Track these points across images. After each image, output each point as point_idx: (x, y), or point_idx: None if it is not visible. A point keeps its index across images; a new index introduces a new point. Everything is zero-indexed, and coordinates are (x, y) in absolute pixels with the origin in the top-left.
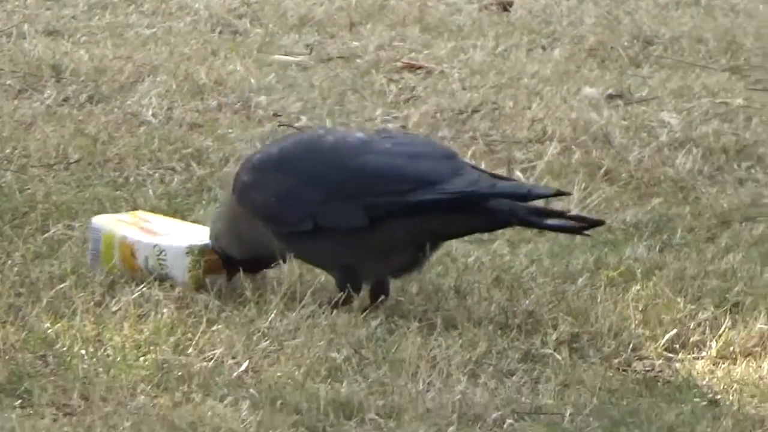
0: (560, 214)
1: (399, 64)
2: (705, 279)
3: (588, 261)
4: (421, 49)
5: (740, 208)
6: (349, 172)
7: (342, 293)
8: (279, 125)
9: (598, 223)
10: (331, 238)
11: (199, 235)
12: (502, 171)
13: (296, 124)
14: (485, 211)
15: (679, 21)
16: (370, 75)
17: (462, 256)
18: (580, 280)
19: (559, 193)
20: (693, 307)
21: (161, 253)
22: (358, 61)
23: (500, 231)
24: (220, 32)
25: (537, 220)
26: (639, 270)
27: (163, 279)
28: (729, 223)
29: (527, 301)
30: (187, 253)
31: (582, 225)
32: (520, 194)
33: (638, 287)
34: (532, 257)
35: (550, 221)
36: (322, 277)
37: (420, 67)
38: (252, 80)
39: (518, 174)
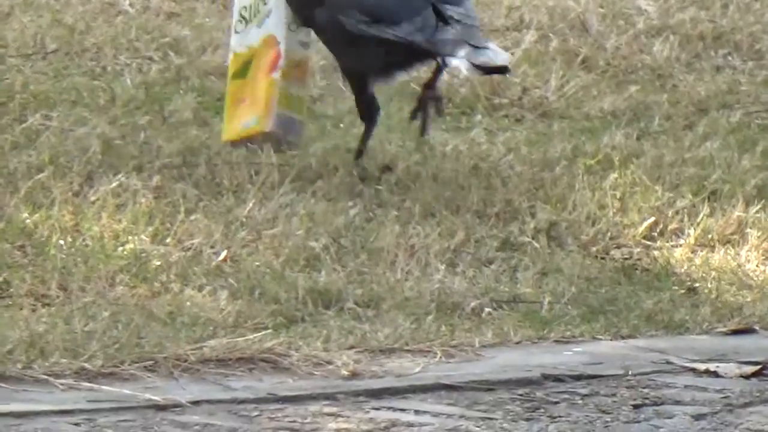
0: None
1: None
2: (683, 167)
3: (566, 149)
4: None
5: (717, 95)
6: None
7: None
8: None
9: (503, 69)
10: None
11: None
12: None
13: None
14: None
15: None
16: None
17: (439, 145)
18: (558, 168)
19: (497, 71)
20: (671, 194)
21: None
22: None
23: (478, 119)
24: None
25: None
26: (617, 158)
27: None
28: (706, 110)
29: (505, 190)
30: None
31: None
32: (445, 56)
33: (616, 175)
34: (510, 145)
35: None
36: (300, 164)
37: None
38: None
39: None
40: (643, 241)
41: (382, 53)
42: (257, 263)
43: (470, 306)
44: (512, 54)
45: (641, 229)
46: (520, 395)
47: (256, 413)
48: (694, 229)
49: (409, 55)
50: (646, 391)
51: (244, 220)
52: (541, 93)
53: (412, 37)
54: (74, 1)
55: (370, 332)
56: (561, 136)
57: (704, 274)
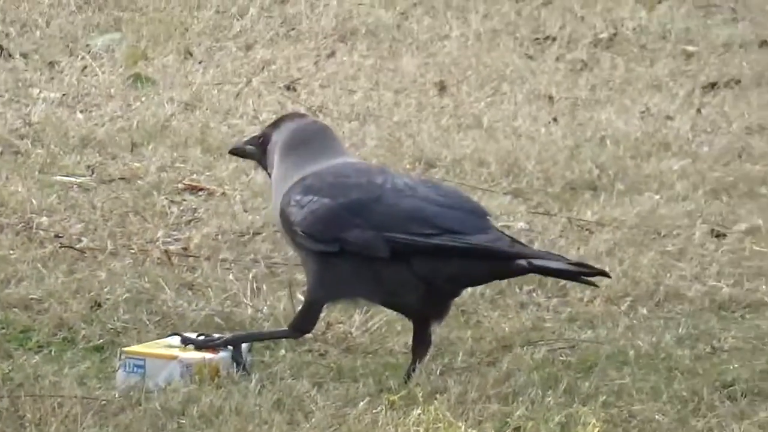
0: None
1: (181, 185)
2: (486, 403)
3: (369, 384)
4: (203, 171)
5: (522, 331)
6: (385, 207)
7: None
8: (60, 246)
9: (602, 272)
10: (352, 263)
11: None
12: (283, 294)
13: (77, 246)
14: (499, 262)
15: (461, 144)
16: (152, 196)
17: (242, 379)
18: (362, 403)
19: (591, 273)
20: (474, 431)
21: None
22: (139, 182)
23: (282, 354)
24: (1, 153)
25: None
26: (420, 394)
27: None
28: (510, 347)
29: (308, 425)
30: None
31: (586, 272)
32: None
33: (419, 411)
34: (314, 380)
35: (557, 267)
36: (103, 397)
37: (201, 189)
38: (33, 201)
39: (300, 296)
40: None
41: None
42: None
43: None
44: None
45: None
46: None
47: None
48: None
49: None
50: None
51: None
52: (345, 328)
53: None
54: None
55: None
56: (365, 372)
57: None
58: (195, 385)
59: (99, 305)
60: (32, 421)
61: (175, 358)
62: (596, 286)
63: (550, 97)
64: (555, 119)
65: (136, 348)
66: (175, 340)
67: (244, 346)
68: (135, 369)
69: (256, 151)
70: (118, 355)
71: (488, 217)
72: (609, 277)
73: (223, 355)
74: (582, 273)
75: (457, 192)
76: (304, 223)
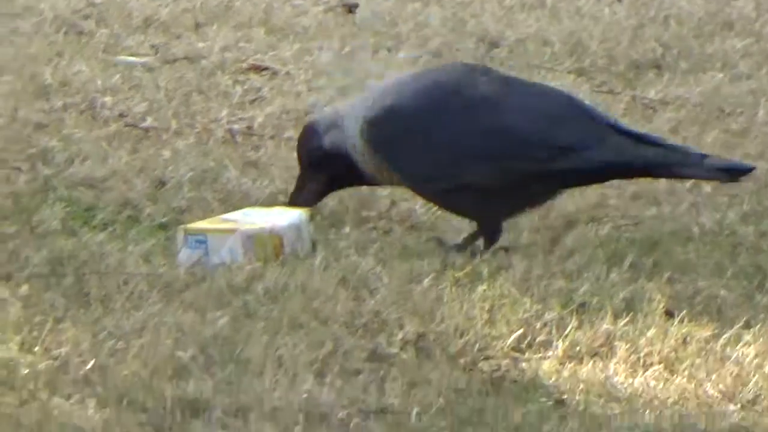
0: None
1: (244, 65)
2: (551, 279)
3: (434, 262)
4: (266, 51)
5: (586, 209)
6: (490, 134)
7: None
8: (124, 126)
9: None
10: (467, 194)
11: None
12: None
13: (141, 125)
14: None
15: (525, 23)
16: (216, 76)
17: (308, 257)
18: (426, 280)
19: (737, 173)
20: (539, 307)
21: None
22: (203, 62)
23: (346, 232)
24: (65, 33)
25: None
26: (485, 270)
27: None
28: (575, 223)
29: (373, 301)
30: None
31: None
32: (667, 166)
33: (484, 287)
34: (379, 258)
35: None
36: (169, 273)
37: (265, 69)
38: (98, 81)
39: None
40: (512, 353)
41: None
42: (125, 372)
43: (338, 417)
44: None
45: (509, 341)
46: None
47: None
48: (562, 341)
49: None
50: None
51: (112, 329)
52: (409, 205)
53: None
54: None
55: None
56: (430, 249)
57: (572, 387)
58: (259, 262)
59: (163, 184)
60: (97, 297)
61: (234, 231)
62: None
63: None
64: None
65: (196, 225)
66: (238, 215)
67: (304, 218)
68: (197, 245)
69: None
70: (180, 233)
71: (598, 115)
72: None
73: (285, 226)
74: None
75: (550, 90)
76: None
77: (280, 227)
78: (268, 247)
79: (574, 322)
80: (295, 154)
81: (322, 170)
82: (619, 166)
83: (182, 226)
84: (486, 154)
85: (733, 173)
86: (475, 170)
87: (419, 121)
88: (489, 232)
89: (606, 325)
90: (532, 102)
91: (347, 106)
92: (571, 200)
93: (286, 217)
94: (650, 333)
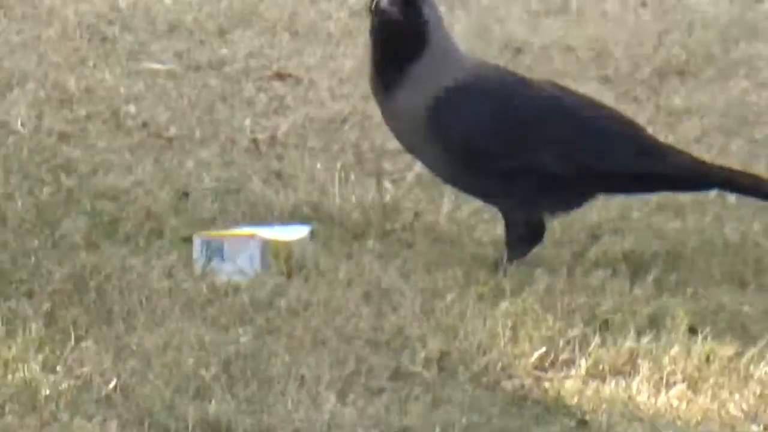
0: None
1: (268, 72)
2: (574, 295)
3: (458, 276)
4: (290, 56)
5: (609, 221)
6: (573, 125)
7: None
8: (148, 135)
9: None
10: (527, 180)
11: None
12: (371, 182)
13: (165, 134)
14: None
15: (550, 29)
16: (240, 83)
17: (331, 271)
18: (450, 295)
19: None
20: (562, 324)
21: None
22: (227, 69)
23: (371, 245)
24: (89, 39)
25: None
26: (508, 286)
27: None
28: (599, 237)
29: (396, 317)
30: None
31: None
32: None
33: (507, 303)
34: (402, 271)
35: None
36: (191, 289)
37: (289, 76)
38: (121, 89)
39: (388, 185)
40: (535, 371)
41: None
42: (147, 392)
43: None
44: (404, 178)
45: (532, 359)
46: None
47: None
48: (586, 359)
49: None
50: None
51: (134, 347)
52: (432, 218)
53: None
54: None
55: None
56: (452, 263)
57: (595, 406)
58: (273, 271)
59: (186, 195)
60: (120, 314)
61: (254, 236)
62: None
63: None
64: (644, 3)
65: (211, 232)
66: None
67: (307, 233)
68: (214, 252)
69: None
70: (197, 239)
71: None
72: None
73: (296, 239)
74: None
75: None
76: None
77: (291, 239)
78: (281, 257)
79: (597, 340)
80: (318, 164)
81: None
82: (691, 178)
83: (199, 233)
84: (565, 143)
85: None
86: (548, 153)
87: (504, 93)
88: (516, 236)
89: (629, 343)
90: (605, 109)
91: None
92: (594, 212)
93: (294, 231)
94: (673, 351)
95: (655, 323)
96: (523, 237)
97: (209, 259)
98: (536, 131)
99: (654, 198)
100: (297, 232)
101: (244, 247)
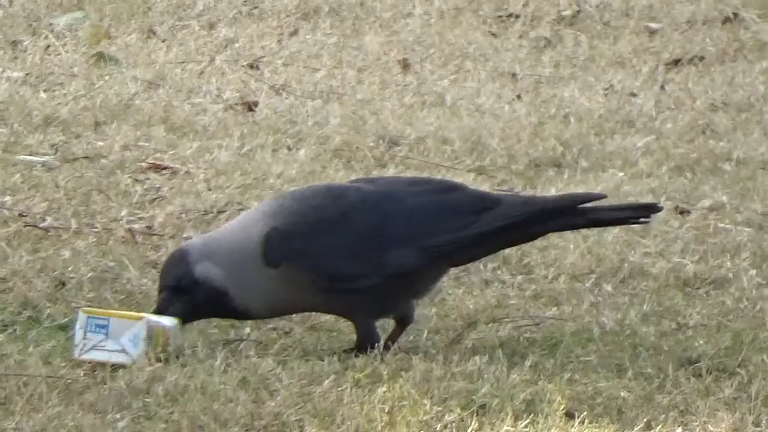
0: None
1: (144, 164)
2: (451, 380)
3: (334, 362)
4: (166, 149)
5: (486, 309)
6: (402, 219)
7: (366, 344)
8: (24, 225)
9: (654, 207)
10: (390, 285)
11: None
12: None
13: (41, 225)
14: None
15: (425, 121)
16: (116, 175)
17: (207, 357)
18: (327, 381)
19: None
20: (439, 408)
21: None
22: (103, 161)
23: (246, 332)
24: None
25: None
26: (385, 371)
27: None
28: (475, 324)
29: (273, 403)
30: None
31: (641, 213)
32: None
33: (384, 389)
34: (279, 358)
35: (612, 215)
36: (69, 375)
37: (165, 168)
38: None
39: None
40: None
41: None
42: None
43: None
44: None
45: None
46: None
47: None
48: None
49: None
50: None
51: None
52: None
53: None
54: None
55: None
56: (329, 349)
57: None
58: (160, 363)
59: (63, 284)
60: None
61: (141, 318)
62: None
63: (514, 75)
64: (518, 97)
65: (97, 309)
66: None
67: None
68: (97, 329)
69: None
70: (82, 315)
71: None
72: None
73: (171, 326)
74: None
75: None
76: None
77: (169, 325)
78: (160, 341)
79: (474, 424)
80: None
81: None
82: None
83: (84, 308)
84: (410, 238)
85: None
86: (398, 258)
87: (335, 221)
88: (368, 332)
89: (506, 427)
90: (414, 187)
91: (222, 233)
92: (471, 300)
93: (165, 320)
94: None
95: (532, 407)
96: (374, 340)
97: (90, 333)
98: (382, 241)
99: (531, 286)
100: (168, 321)
101: (130, 328)
